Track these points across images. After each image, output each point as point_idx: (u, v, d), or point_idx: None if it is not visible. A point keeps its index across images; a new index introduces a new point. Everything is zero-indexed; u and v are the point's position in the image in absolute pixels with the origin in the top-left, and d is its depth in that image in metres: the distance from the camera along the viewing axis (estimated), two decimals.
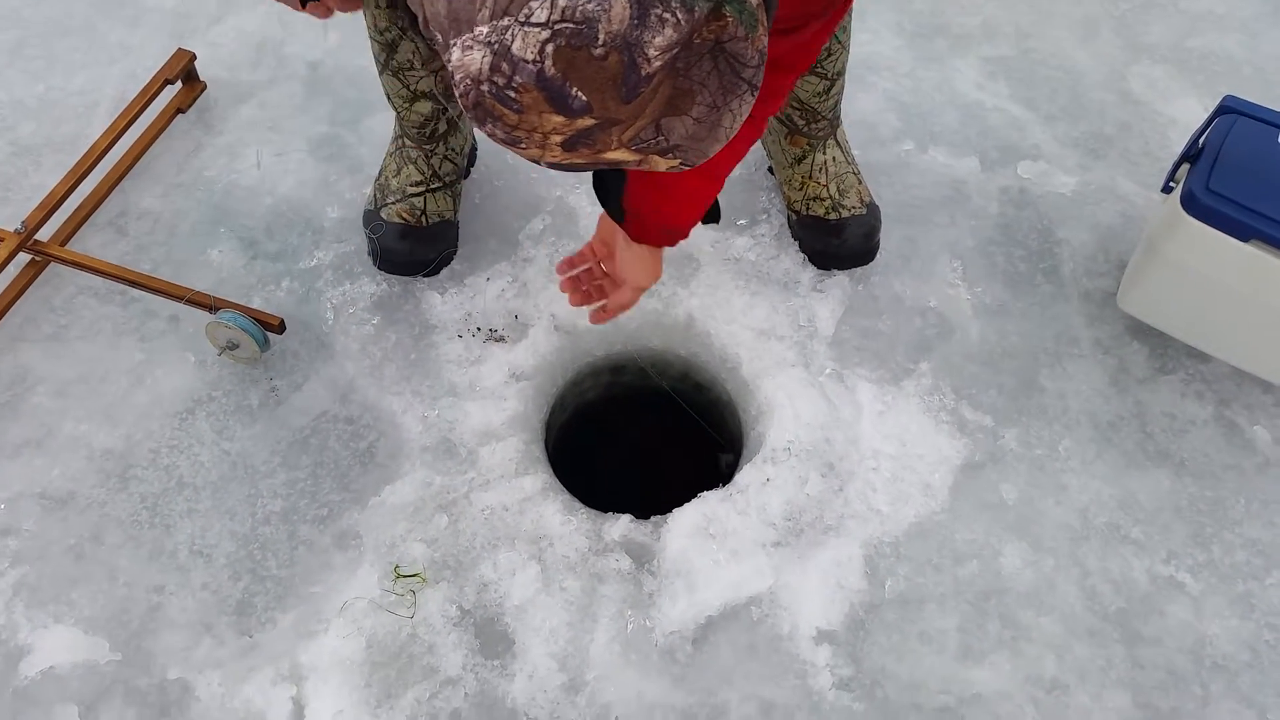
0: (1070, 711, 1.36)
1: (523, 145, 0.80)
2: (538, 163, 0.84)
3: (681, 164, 0.84)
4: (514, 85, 0.76)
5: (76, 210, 1.78)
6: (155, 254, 1.77)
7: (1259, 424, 1.61)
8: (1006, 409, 1.62)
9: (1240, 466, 1.57)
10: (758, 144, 1.89)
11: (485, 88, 0.77)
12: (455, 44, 0.77)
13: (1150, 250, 1.59)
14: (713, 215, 1.42)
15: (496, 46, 0.75)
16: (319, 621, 1.42)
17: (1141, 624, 1.43)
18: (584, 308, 1.51)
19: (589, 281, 1.49)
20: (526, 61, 0.74)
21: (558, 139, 0.79)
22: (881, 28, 2.16)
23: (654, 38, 0.74)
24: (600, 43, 0.74)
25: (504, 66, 0.75)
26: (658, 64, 0.75)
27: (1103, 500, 1.53)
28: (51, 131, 1.93)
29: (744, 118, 0.84)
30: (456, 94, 0.80)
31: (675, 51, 0.75)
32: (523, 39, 0.74)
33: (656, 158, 0.82)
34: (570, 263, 1.48)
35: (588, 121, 0.77)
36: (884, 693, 1.37)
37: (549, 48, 0.74)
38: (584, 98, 0.76)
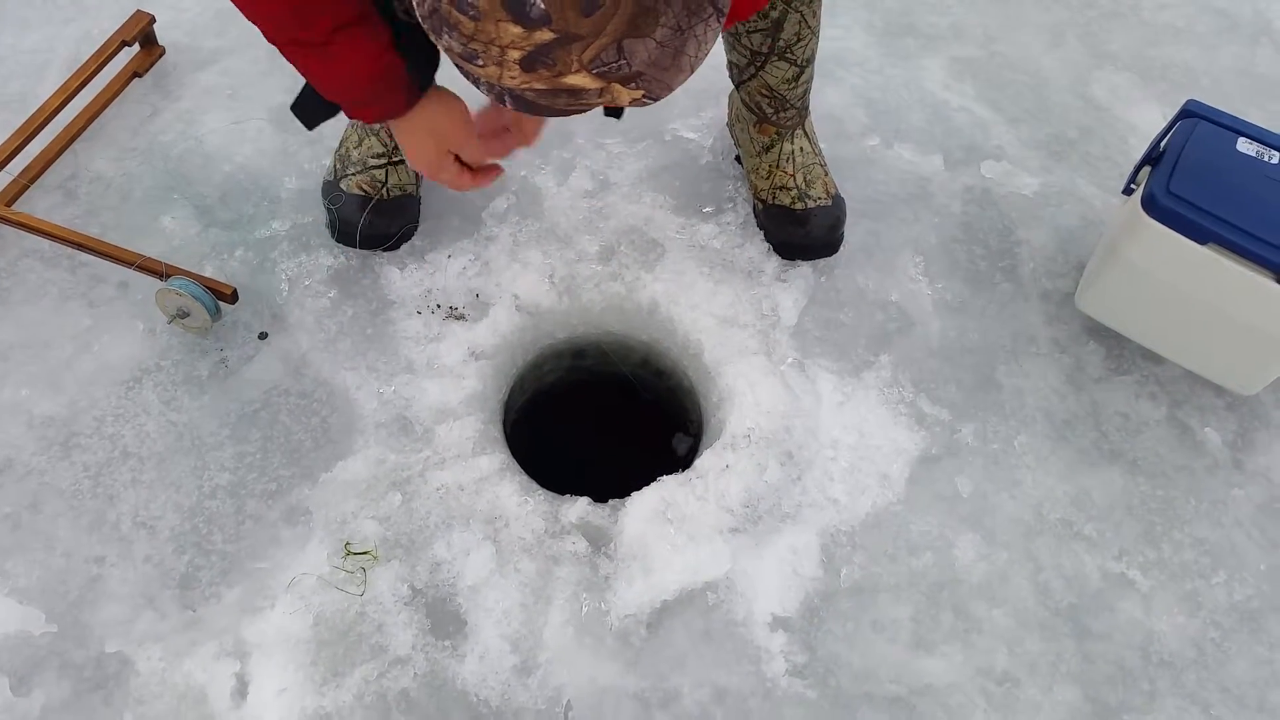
0: (1020, 704, 1.37)
1: (480, 61, 0.77)
2: (496, 89, 0.81)
3: (645, 96, 0.81)
4: None
5: (24, 171, 1.72)
6: (106, 219, 1.72)
7: (1210, 426, 1.63)
8: (964, 404, 1.63)
9: (1191, 467, 1.59)
10: (726, 132, 1.89)
11: None
12: None
13: (1109, 251, 1.61)
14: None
15: None
16: (265, 597, 1.38)
17: (1092, 619, 1.44)
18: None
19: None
20: None
21: (515, 54, 0.75)
22: (853, 24, 2.17)
23: None
24: None
25: None
26: None
27: (1056, 496, 1.55)
28: None
29: (709, 46, 0.81)
30: (414, 4, 0.77)
31: None
32: None
33: (619, 86, 0.79)
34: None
35: (546, 35, 0.74)
36: (836, 681, 1.37)
37: None
38: (542, 6, 0.73)
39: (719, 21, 0.80)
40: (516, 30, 0.74)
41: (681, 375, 1.70)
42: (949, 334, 1.70)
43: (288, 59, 1.26)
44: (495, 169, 1.44)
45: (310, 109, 1.35)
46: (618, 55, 0.76)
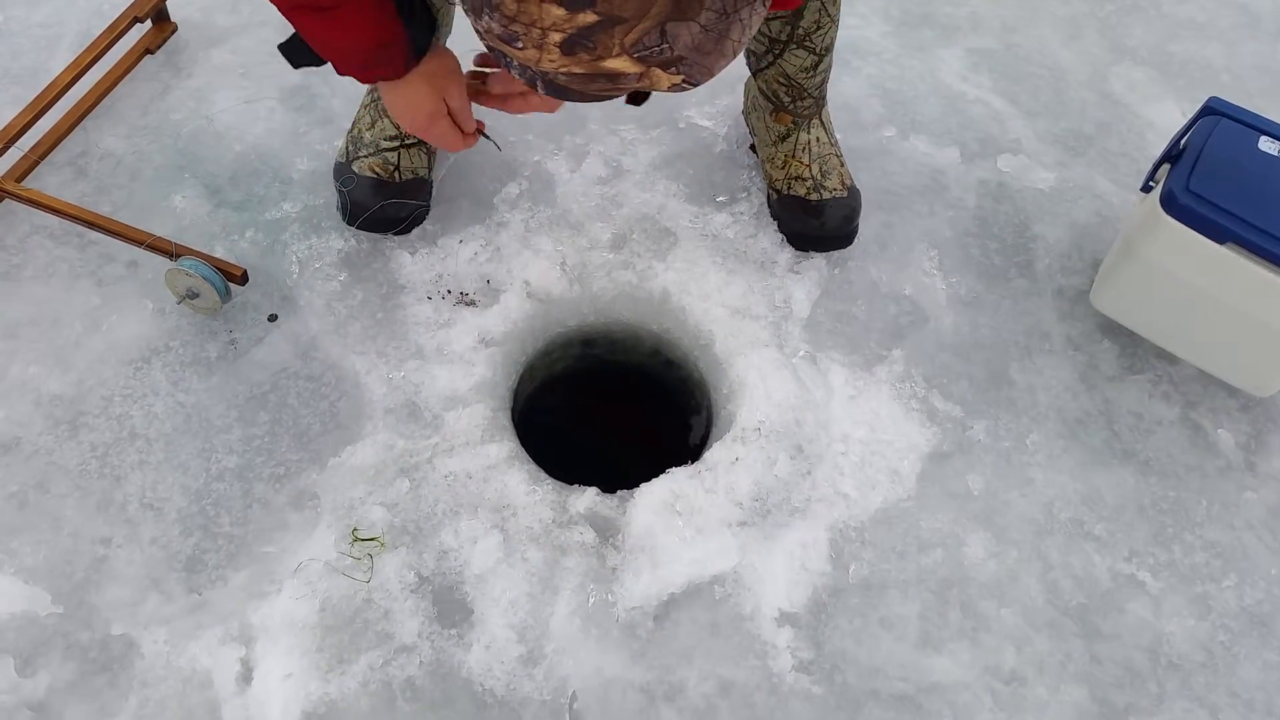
0: (1027, 703, 1.36)
1: (519, 44, 0.75)
2: (532, 72, 0.79)
3: (685, 81, 0.80)
4: None
5: (34, 147, 1.71)
6: (116, 197, 1.71)
7: (1223, 427, 1.62)
8: (976, 400, 1.62)
9: (1203, 469, 1.58)
10: (741, 120, 1.87)
11: None
12: None
13: (1126, 249, 1.59)
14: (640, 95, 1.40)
15: None
16: (271, 582, 1.38)
17: (1101, 620, 1.44)
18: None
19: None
20: None
21: (557, 37, 0.74)
22: (870, 13, 2.15)
23: None
24: None
25: None
26: None
27: (1067, 495, 1.54)
28: (10, 64, 1.86)
29: (753, 31, 0.80)
30: None
31: None
32: None
33: (659, 71, 0.77)
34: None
35: (590, 18, 0.72)
36: (843, 677, 1.36)
37: None
38: None
39: (764, 6, 0.78)
40: (560, 12, 0.72)
41: (692, 366, 1.69)
42: (962, 329, 1.69)
43: (291, 21, 1.26)
44: (479, 128, 1.46)
45: (300, 54, 1.35)
46: (660, 39, 0.74)
